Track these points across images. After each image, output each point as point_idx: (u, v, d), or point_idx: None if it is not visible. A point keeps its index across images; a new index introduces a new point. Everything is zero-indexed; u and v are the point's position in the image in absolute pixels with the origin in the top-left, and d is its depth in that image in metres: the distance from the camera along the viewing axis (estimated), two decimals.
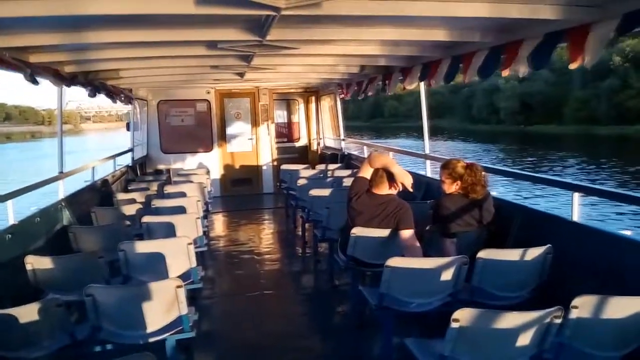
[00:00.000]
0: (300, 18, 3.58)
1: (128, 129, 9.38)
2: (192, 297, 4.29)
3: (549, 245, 3.19)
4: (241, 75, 7.29)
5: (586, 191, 3.72)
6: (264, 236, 7.54)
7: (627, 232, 3.31)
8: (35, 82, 4.51)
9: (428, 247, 3.90)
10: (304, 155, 11.32)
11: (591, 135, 38.39)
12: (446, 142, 41.72)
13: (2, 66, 4.02)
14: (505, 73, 4.20)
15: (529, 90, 46.26)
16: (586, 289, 2.35)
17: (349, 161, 9.39)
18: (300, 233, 6.84)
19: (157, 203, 5.36)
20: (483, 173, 3.92)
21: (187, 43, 4.56)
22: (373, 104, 69.69)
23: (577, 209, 3.55)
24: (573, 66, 3.50)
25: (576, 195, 3.56)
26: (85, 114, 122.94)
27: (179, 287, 2.80)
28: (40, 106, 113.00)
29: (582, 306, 2.31)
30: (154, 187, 7.10)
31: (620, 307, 2.35)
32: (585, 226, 3.50)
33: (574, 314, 2.31)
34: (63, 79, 5.24)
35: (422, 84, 6.25)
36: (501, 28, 4.12)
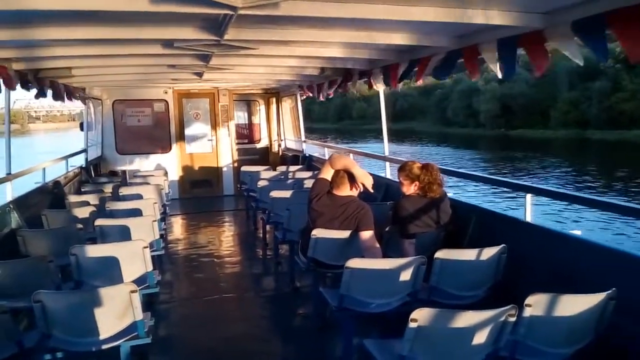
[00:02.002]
0: (258, 18, 3.55)
1: (82, 129, 9.07)
2: (149, 302, 4.17)
3: (503, 245, 3.27)
4: (200, 75, 7.18)
5: (538, 192, 3.84)
6: (224, 239, 7.44)
7: (578, 232, 3.45)
8: None
9: (387, 248, 3.93)
10: (265, 157, 11.26)
11: (583, 140, 36.10)
12: (416, 146, 39.63)
13: None
14: (475, 78, 4.31)
15: (509, 92, 43.51)
16: (539, 288, 2.42)
17: (310, 163, 9.39)
18: (261, 235, 6.80)
19: (112, 205, 5.19)
20: (439, 173, 4.01)
21: (142, 41, 4.44)
22: (340, 106, 67.72)
23: (530, 209, 3.66)
24: (538, 74, 3.61)
25: (529, 196, 3.68)
26: (35, 113, 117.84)
27: (133, 291, 2.71)
28: None
29: (536, 304, 2.38)
30: (109, 189, 6.87)
31: (571, 305, 2.43)
32: (538, 226, 3.61)
33: (527, 312, 2.37)
34: (11, 81, 4.99)
35: (380, 87, 6.31)
36: (457, 33, 4.22)
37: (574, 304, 2.44)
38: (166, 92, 9.96)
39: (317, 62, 6.44)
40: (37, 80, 5.75)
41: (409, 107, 58.28)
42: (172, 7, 3.12)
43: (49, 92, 6.26)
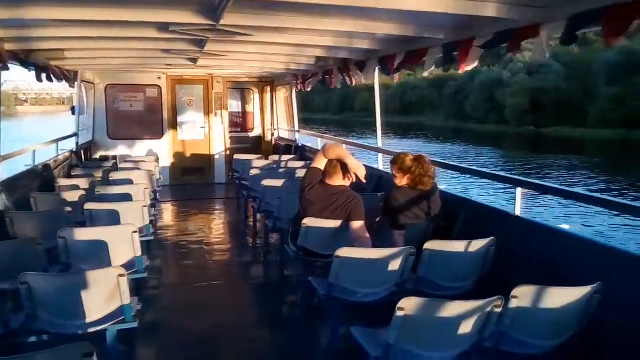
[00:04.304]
0: (255, 3, 3.52)
1: (73, 113, 8.99)
2: (137, 287, 4.17)
3: (492, 237, 3.30)
4: (194, 61, 7.13)
5: (528, 186, 3.86)
6: (214, 226, 7.44)
7: (566, 226, 3.47)
8: None
9: (377, 238, 3.94)
10: (258, 146, 11.23)
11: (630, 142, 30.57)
12: (430, 142, 34.41)
13: None
14: (462, 69, 4.31)
15: (541, 85, 37.97)
16: (526, 280, 2.44)
17: (302, 152, 9.38)
18: (251, 224, 6.79)
19: (102, 190, 5.16)
20: (431, 166, 4.02)
21: (136, 24, 4.39)
22: (342, 96, 61.70)
23: (520, 203, 3.68)
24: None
25: (519, 190, 3.70)
26: (24, 95, 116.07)
27: (121, 275, 2.71)
28: None
29: (522, 296, 2.40)
30: (99, 173, 6.84)
31: (557, 297, 2.46)
32: (527, 220, 3.64)
33: (513, 303, 2.39)
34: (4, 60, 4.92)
35: (376, 78, 6.30)
36: (454, 25, 4.21)
37: (560, 297, 2.47)
38: (160, 78, 9.89)
39: (313, 51, 6.41)
40: (29, 61, 5.68)
41: (418, 100, 54.45)
42: None
43: (42, 74, 6.18)
